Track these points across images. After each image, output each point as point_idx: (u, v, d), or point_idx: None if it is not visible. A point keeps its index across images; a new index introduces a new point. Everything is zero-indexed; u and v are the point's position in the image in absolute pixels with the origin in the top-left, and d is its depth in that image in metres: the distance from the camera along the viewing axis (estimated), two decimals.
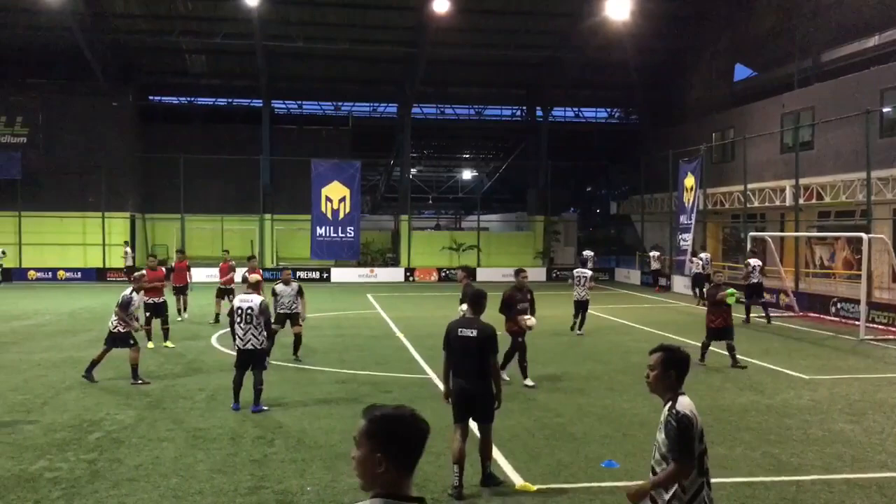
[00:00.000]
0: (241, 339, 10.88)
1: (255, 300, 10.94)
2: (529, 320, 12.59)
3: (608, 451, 8.95)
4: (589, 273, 19.19)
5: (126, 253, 34.55)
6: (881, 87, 25.29)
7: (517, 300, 12.82)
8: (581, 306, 18.72)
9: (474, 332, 7.61)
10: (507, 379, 11.95)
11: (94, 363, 12.88)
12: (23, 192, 35.18)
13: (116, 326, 12.76)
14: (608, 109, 50.72)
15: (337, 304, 26.13)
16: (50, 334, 17.85)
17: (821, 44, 31.32)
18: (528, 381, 12.60)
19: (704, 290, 26.09)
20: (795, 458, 8.85)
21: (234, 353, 11.17)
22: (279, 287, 15.04)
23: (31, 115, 36.69)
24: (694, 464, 4.32)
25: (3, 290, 30.11)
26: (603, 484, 7.91)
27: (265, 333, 11.07)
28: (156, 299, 16.50)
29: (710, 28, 37.67)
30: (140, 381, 12.62)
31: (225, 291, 20.43)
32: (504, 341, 10.57)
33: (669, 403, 4.43)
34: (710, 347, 14.79)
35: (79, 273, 35.36)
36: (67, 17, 33.04)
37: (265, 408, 10.85)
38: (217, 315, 20.43)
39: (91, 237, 36.38)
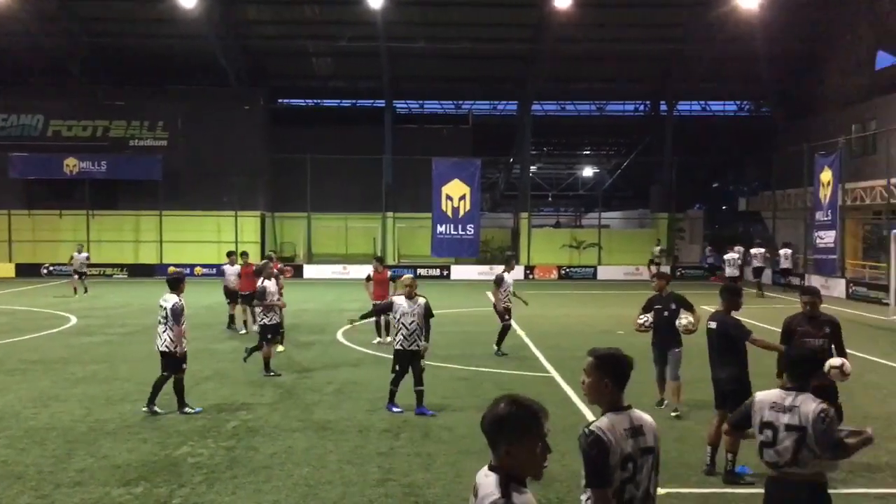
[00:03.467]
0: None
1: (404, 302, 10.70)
2: (842, 365, 7.30)
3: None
4: (737, 255, 26.39)
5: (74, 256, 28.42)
6: None
7: (801, 333, 8.14)
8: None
9: (714, 325, 8.31)
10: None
11: (266, 360, 13.33)
12: (163, 193, 37.28)
13: (262, 319, 13.52)
14: (737, 102, 48.75)
15: (457, 301, 26.33)
16: (189, 327, 18.74)
17: None
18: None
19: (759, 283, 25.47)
20: None
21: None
22: (506, 276, 15.71)
23: (170, 120, 38.81)
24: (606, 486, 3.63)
25: (145, 284, 32.01)
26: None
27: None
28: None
29: (848, 14, 35.48)
30: (272, 373, 13.14)
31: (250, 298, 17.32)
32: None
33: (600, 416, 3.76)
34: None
35: (214, 269, 36.99)
36: (203, 26, 34.76)
37: (431, 413, 10.58)
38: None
39: (225, 235, 38.12)
